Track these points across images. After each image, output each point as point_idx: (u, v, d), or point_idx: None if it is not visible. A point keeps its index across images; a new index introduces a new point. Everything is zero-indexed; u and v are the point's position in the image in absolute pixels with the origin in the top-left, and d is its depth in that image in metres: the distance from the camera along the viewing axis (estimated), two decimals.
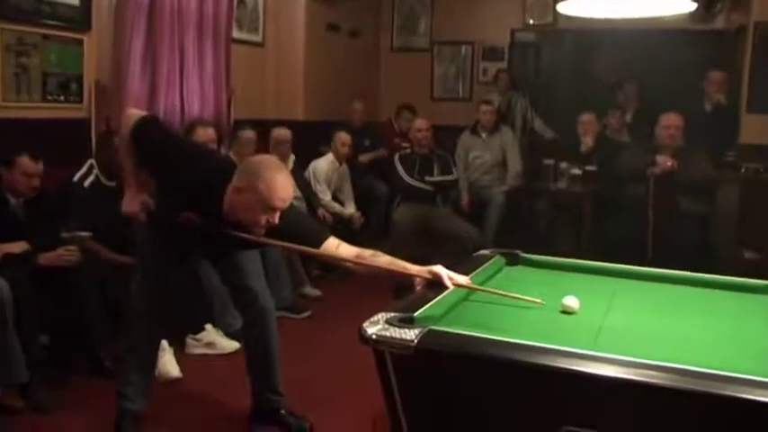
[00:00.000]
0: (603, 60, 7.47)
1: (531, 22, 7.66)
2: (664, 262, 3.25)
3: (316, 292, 5.23)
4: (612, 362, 1.75)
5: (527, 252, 3.10)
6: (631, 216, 5.13)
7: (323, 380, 3.71)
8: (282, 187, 2.56)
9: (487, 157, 6.38)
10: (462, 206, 6.17)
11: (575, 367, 1.73)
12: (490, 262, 2.82)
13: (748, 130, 5.95)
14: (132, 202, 2.92)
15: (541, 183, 6.07)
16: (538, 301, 2.35)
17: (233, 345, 4.08)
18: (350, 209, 5.89)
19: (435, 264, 2.47)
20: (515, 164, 6.34)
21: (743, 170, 5.76)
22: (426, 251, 4.90)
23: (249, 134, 4.96)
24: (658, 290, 2.77)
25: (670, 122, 5.13)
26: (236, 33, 5.59)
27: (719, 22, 6.85)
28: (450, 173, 5.80)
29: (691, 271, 2.94)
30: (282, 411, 3.16)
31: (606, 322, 2.26)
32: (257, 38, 6.12)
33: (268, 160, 2.73)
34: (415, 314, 2.04)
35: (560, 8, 2.63)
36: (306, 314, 4.80)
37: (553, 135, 7.09)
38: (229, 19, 5.28)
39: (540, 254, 3.12)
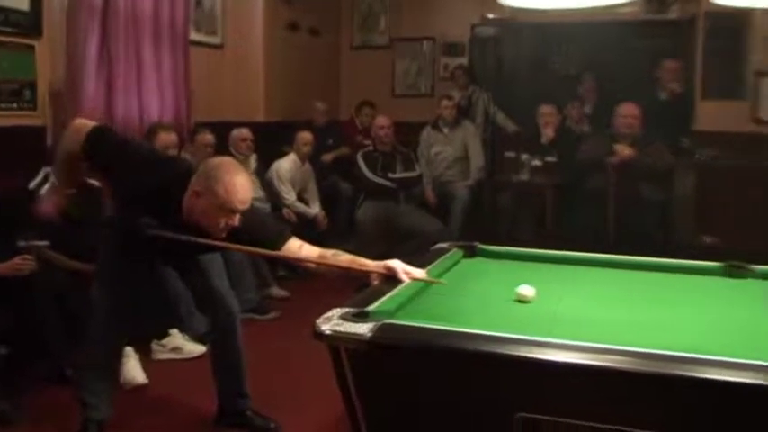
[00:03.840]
0: (563, 53, 7.55)
1: (490, 16, 7.69)
2: (625, 249, 3.29)
3: (282, 293, 5.23)
4: (566, 347, 1.78)
5: (491, 244, 3.14)
6: (592, 205, 5.20)
7: (289, 380, 3.71)
8: (241, 189, 2.57)
9: (450, 152, 6.41)
10: (427, 202, 6.19)
11: (527, 354, 1.75)
12: (447, 255, 2.85)
13: (703, 117, 6.05)
14: (48, 203, 2.93)
15: (504, 175, 6.11)
16: (442, 281, 2.43)
17: (199, 348, 4.06)
18: (315, 209, 5.88)
19: (401, 260, 2.49)
20: (478, 158, 6.38)
21: (698, 157, 5.86)
22: (391, 248, 4.91)
23: (207, 137, 4.94)
24: (619, 276, 2.82)
25: (627, 112, 5.21)
26: (193, 35, 5.55)
27: (673, 13, 6.94)
28: (413, 169, 5.83)
29: (651, 257, 2.99)
30: (248, 413, 3.17)
31: (563, 309, 2.30)
32: (216, 39, 6.09)
33: (226, 163, 2.72)
34: (370, 308, 2.05)
35: (505, 0, 2.64)
36: (272, 315, 4.80)
37: (515, 128, 7.14)
38: (186, 21, 5.24)
39: (504, 245, 3.15)
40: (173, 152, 4.31)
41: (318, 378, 3.22)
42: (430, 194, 6.25)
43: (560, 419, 1.76)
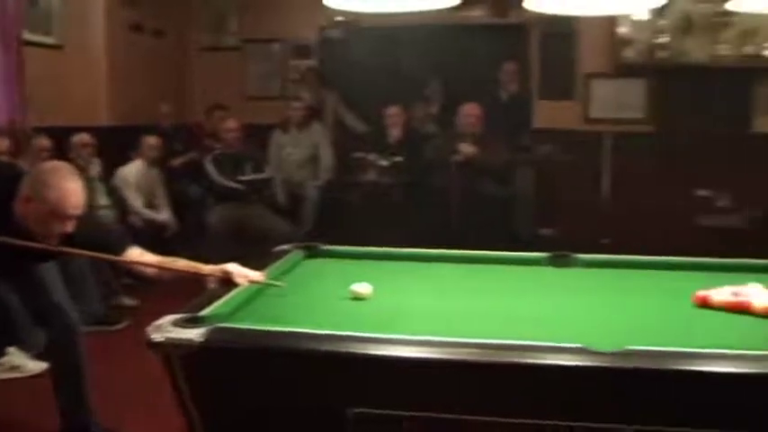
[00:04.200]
0: (410, 55, 7.73)
1: (338, 18, 7.77)
2: (468, 243, 3.42)
3: (131, 302, 5.09)
4: (395, 342, 1.84)
5: (342, 244, 3.19)
6: (438, 202, 5.37)
7: (140, 390, 3.61)
8: (73, 194, 2.51)
9: (300, 154, 6.45)
10: (277, 203, 6.20)
11: (355, 351, 1.80)
12: (288, 257, 2.87)
13: (540, 116, 6.37)
14: None
15: (352, 176, 6.20)
16: (280, 284, 2.45)
17: (40, 365, 3.88)
18: (164, 214, 5.76)
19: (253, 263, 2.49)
20: (327, 158, 6.45)
21: (537, 153, 6.18)
22: (242, 251, 4.88)
23: (43, 142, 4.74)
24: (455, 271, 2.89)
25: (469, 111, 5.43)
26: (28, 35, 5.31)
27: (513, 17, 7.26)
28: (263, 171, 5.83)
29: (493, 250, 3.10)
30: (93, 429, 3.07)
31: (403, 305, 2.36)
32: (53, 40, 5.83)
33: (56, 167, 2.65)
34: (203, 313, 2.05)
35: (327, 1, 2.70)
36: (121, 325, 4.66)
37: (365, 129, 7.25)
38: (18, 20, 5.00)
39: (354, 244, 3.20)
40: (3, 158, 4.11)
41: (168, 386, 3.19)
42: (281, 196, 6.26)
43: (392, 412, 1.81)
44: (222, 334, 1.88)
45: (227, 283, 2.40)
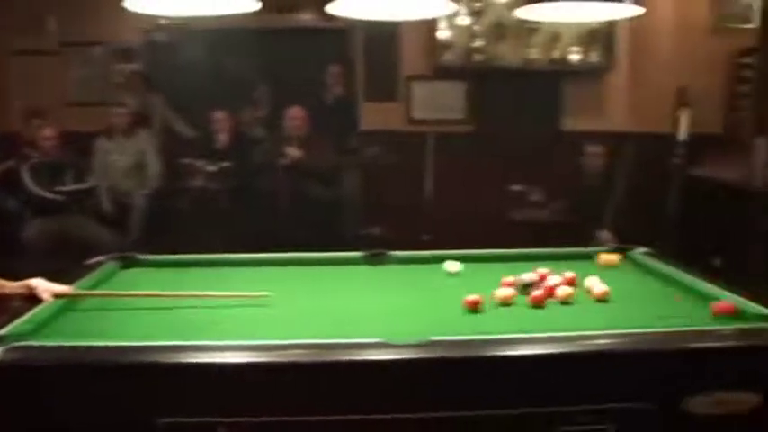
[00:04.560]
0: (237, 58, 7.69)
1: (164, 21, 7.61)
2: (298, 246, 3.46)
3: None
4: (207, 348, 1.88)
5: (171, 252, 3.15)
6: (267, 206, 5.40)
7: None
8: None
9: (126, 161, 6.26)
10: (104, 213, 6.01)
11: (165, 360, 1.82)
12: (102, 268, 2.82)
13: (366, 118, 6.54)
14: None
15: (180, 182, 6.11)
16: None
17: None
18: None
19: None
20: (154, 165, 6.30)
21: (363, 155, 6.34)
22: (64, 264, 4.70)
23: None
24: (275, 274, 2.93)
25: (294, 115, 5.51)
26: None
27: (339, 20, 7.38)
28: (86, 180, 5.63)
29: (321, 252, 3.18)
30: None
31: (218, 311, 2.37)
32: None
33: None
34: (2, 332, 1.99)
35: (128, 4, 2.67)
36: None
37: (194, 134, 7.14)
38: None
39: (184, 252, 3.18)
40: None
41: None
42: (106, 205, 6.07)
43: (205, 419, 1.83)
44: (19, 353, 1.84)
45: (32, 299, 2.33)
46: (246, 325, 2.24)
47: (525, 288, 2.52)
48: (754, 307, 2.25)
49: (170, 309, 2.38)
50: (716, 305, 2.28)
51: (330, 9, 2.81)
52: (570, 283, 2.57)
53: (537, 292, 2.42)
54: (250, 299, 2.45)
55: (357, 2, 2.73)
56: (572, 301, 2.43)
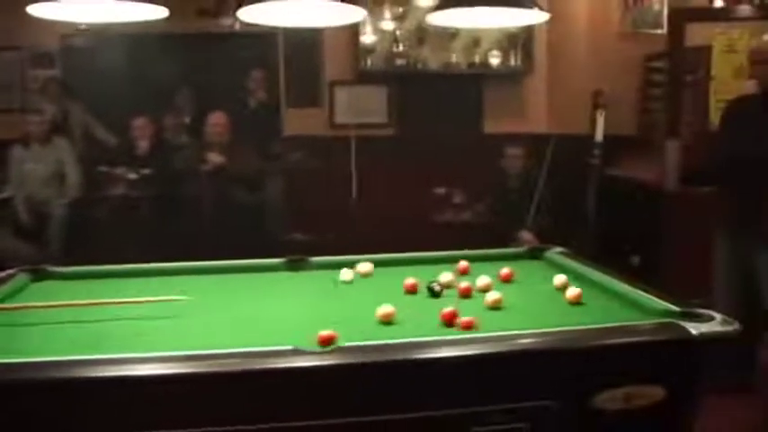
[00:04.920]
0: (159, 64, 7.58)
1: (82, 26, 7.44)
2: (223, 253, 3.42)
3: None
4: (108, 362, 1.84)
5: (93, 262, 3.09)
6: (190, 213, 5.34)
7: None
8: None
9: (43, 170, 6.11)
10: (21, 224, 5.85)
11: (65, 375, 1.78)
12: (12, 282, 2.74)
13: (289, 124, 6.53)
14: None
15: (100, 191, 5.99)
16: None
17: None
18: None
19: None
20: (73, 174, 6.16)
21: (287, 160, 6.33)
22: None
23: None
24: (199, 281, 2.90)
25: (216, 121, 5.45)
26: None
27: (263, 26, 7.34)
28: (1, 190, 5.47)
29: (248, 258, 3.15)
30: None
31: (136, 323, 2.34)
32: None
33: None
34: None
35: (32, 10, 2.62)
36: None
37: (117, 141, 7.01)
38: None
39: (104, 262, 3.11)
40: None
41: None
42: (23, 215, 5.91)
43: None
44: None
45: None
46: (158, 336, 2.21)
47: (432, 292, 2.59)
48: (660, 303, 2.33)
49: (84, 323, 2.33)
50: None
51: (241, 15, 2.80)
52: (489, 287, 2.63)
53: (447, 310, 2.26)
54: (166, 302, 2.43)
55: (266, 8, 2.72)
56: (501, 306, 2.44)
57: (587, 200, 5.80)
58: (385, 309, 2.27)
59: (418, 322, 2.27)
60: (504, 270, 2.83)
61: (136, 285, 2.84)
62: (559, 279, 2.70)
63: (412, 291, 2.66)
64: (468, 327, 2.15)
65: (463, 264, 2.98)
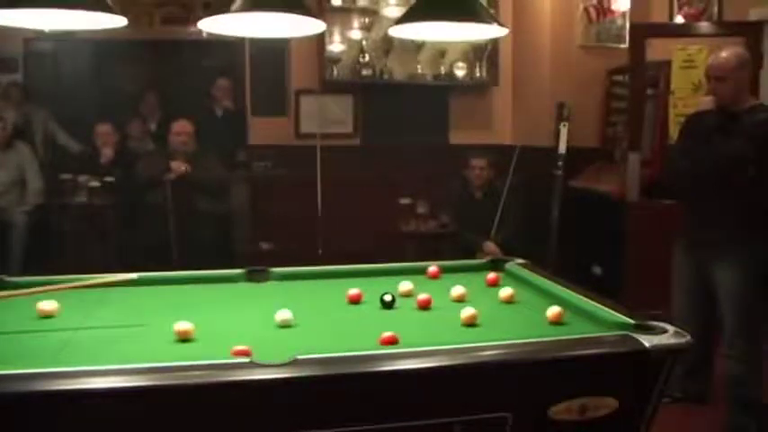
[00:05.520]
0: (125, 70, 7.54)
1: (46, 30, 7.36)
2: (189, 263, 3.40)
3: None
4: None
5: (58, 272, 3.04)
6: (154, 222, 5.29)
7: None
8: None
9: (4, 177, 6.01)
10: None
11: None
12: None
13: (255, 132, 6.52)
14: None
15: (62, 198, 5.92)
16: None
17: None
18: None
19: None
20: (35, 181, 6.07)
21: (253, 169, 6.32)
22: None
23: None
24: (158, 292, 2.88)
25: (180, 129, 5.41)
26: None
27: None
28: None
29: (213, 268, 3.14)
30: None
31: (83, 333, 2.33)
32: None
33: None
34: None
35: None
36: None
37: (80, 148, 6.94)
38: None
39: (65, 272, 3.07)
40: None
41: None
42: None
43: None
44: None
45: None
46: (114, 347, 2.20)
47: (383, 303, 2.61)
48: (615, 315, 2.36)
49: (45, 332, 2.32)
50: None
51: (203, 26, 2.80)
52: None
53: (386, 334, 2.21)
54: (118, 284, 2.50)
55: (228, 19, 2.73)
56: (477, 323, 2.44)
57: (551, 211, 5.87)
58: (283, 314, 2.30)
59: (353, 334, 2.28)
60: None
61: (94, 295, 2.81)
62: (505, 292, 2.71)
63: (356, 301, 2.69)
64: (391, 342, 2.15)
65: (433, 269, 3.00)
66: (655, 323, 2.22)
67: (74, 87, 7.40)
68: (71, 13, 2.66)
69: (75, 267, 3.20)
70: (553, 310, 2.46)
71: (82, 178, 5.79)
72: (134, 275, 2.43)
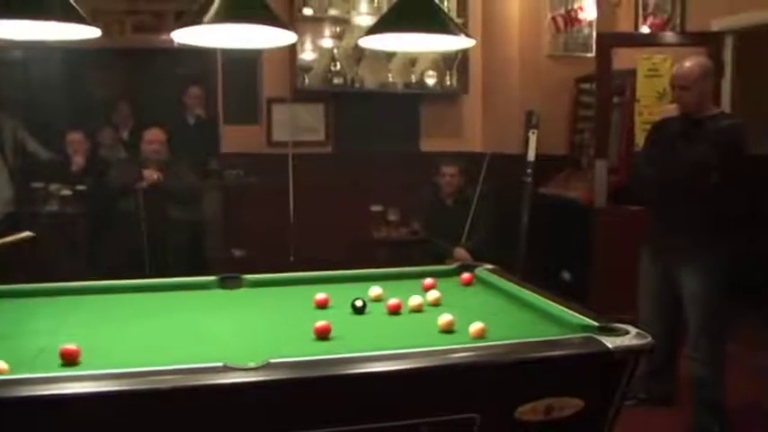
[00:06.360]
0: (96, 78, 7.50)
1: (15, 38, 7.30)
2: (159, 270, 3.41)
3: None
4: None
5: (24, 281, 3.04)
6: (126, 230, 5.28)
7: None
8: None
9: None
10: None
11: None
12: None
13: (227, 140, 6.53)
14: None
15: (33, 207, 5.88)
16: None
17: None
18: None
19: None
20: (5, 189, 6.02)
21: (225, 177, 6.33)
22: None
23: None
24: (131, 299, 2.91)
25: (152, 137, 5.41)
26: None
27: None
28: None
29: (186, 276, 3.18)
30: None
31: (50, 342, 2.32)
32: None
33: None
34: None
35: None
36: None
37: (48, 155, 6.89)
38: None
39: (37, 281, 3.06)
40: None
41: None
42: None
43: None
44: None
45: None
46: (89, 353, 2.21)
47: (354, 308, 2.66)
48: (580, 318, 2.43)
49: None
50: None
51: (175, 37, 2.83)
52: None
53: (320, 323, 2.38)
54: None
55: (200, 30, 2.77)
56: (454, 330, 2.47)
57: (521, 217, 5.95)
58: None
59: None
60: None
61: (66, 304, 2.83)
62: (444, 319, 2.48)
63: (323, 306, 2.73)
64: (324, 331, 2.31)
65: (429, 281, 3.03)
66: (618, 325, 2.28)
67: (44, 95, 7.34)
68: (44, 25, 2.67)
69: (44, 277, 3.20)
70: (476, 326, 2.37)
71: (53, 186, 5.76)
72: (30, 233, 2.43)
